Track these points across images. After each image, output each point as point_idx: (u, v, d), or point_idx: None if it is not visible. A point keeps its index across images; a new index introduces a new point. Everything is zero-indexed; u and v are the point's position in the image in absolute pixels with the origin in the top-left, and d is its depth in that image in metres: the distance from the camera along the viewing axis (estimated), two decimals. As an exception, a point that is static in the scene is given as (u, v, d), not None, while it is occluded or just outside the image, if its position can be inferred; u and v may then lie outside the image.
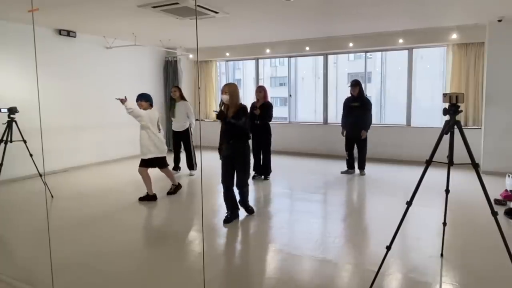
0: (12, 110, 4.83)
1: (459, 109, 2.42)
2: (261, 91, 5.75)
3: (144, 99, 4.73)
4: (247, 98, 9.94)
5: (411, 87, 7.39)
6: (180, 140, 6.35)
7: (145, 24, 6.09)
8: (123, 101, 4.47)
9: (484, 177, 2.48)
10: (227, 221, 4.00)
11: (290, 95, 8.97)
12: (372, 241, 3.58)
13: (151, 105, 4.76)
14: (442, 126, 2.48)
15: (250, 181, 4.48)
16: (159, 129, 4.80)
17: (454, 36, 6.54)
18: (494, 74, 6.05)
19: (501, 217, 3.99)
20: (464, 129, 2.44)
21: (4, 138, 4.77)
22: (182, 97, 6.32)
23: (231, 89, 3.86)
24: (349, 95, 6.25)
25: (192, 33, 6.66)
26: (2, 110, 4.79)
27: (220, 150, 4.15)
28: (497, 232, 2.29)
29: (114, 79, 7.65)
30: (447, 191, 2.84)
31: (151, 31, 6.81)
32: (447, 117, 2.44)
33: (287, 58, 8.94)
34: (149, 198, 4.79)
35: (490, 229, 2.99)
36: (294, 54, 8.48)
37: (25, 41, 5.84)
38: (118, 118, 7.46)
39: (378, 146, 7.29)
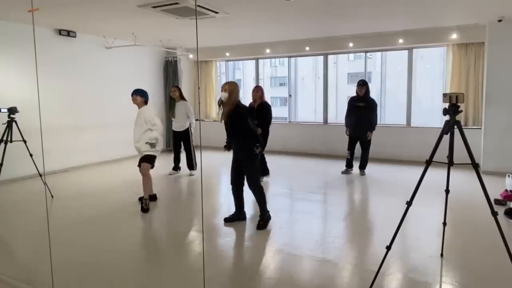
0: (12, 110, 4.82)
1: (459, 109, 2.42)
2: (258, 91, 5.71)
3: (140, 94, 4.54)
4: (247, 98, 9.94)
5: (411, 87, 7.39)
6: (180, 140, 6.35)
7: (145, 24, 6.09)
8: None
9: (484, 177, 2.48)
10: (226, 219, 4.01)
11: (290, 95, 8.97)
12: (372, 241, 3.58)
13: (145, 102, 4.60)
14: (442, 126, 2.49)
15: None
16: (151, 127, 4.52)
17: (454, 36, 6.54)
18: (494, 74, 6.05)
19: (501, 217, 3.99)
20: (464, 129, 2.44)
21: (4, 138, 4.77)
22: (182, 97, 6.32)
23: (231, 87, 3.76)
24: (354, 94, 6.24)
25: (192, 33, 6.66)
26: (2, 110, 4.79)
27: (226, 146, 4.15)
28: (497, 232, 2.29)
29: (114, 79, 7.65)
30: (447, 191, 2.84)
31: (151, 31, 6.81)
32: (447, 117, 2.44)
33: (287, 58, 8.94)
34: (149, 198, 4.78)
35: (490, 229, 3.00)
36: (294, 54, 8.48)
37: (25, 41, 5.84)
38: (118, 118, 7.49)
39: (378, 146, 7.28)
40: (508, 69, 5.93)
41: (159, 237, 3.83)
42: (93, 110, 7.25)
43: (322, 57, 8.44)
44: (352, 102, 6.25)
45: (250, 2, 4.85)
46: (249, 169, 3.87)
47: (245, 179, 3.94)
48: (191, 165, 6.35)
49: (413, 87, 7.45)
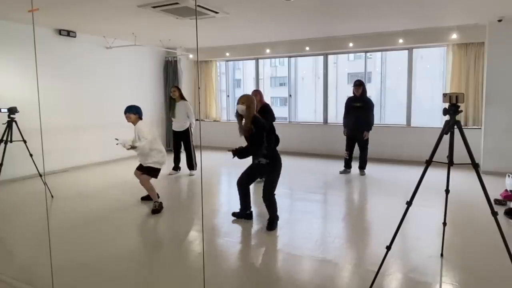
0: (12, 110, 4.82)
1: (459, 109, 2.42)
2: (256, 94, 5.70)
3: (133, 112, 4.47)
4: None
5: (411, 87, 7.39)
6: (180, 140, 6.35)
7: (145, 24, 6.09)
8: (127, 147, 4.36)
9: (484, 177, 2.48)
10: (234, 214, 4.12)
11: (290, 95, 8.97)
12: (372, 241, 3.58)
13: (140, 118, 4.53)
14: (442, 126, 2.48)
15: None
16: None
17: (454, 36, 6.54)
18: (494, 74, 6.05)
19: (501, 217, 3.99)
20: (464, 129, 2.44)
21: (4, 138, 4.77)
22: (182, 97, 6.32)
23: (248, 101, 3.71)
24: (351, 94, 6.27)
25: (192, 33, 6.67)
26: (2, 110, 4.79)
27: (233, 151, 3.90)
28: (497, 232, 2.29)
29: (114, 79, 7.65)
30: (447, 191, 2.84)
31: (151, 31, 6.81)
32: (447, 117, 2.44)
33: (287, 58, 8.94)
34: (150, 198, 4.78)
35: (490, 229, 3.00)
36: (294, 54, 8.48)
37: (25, 41, 5.85)
38: (118, 118, 7.43)
39: (378, 146, 7.29)
40: (508, 69, 5.93)
41: (159, 237, 3.83)
42: (93, 110, 7.25)
43: (322, 57, 8.44)
44: (349, 102, 6.28)
45: (250, 2, 4.85)
46: (271, 180, 3.84)
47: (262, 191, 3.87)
48: (191, 165, 6.36)
49: (413, 87, 7.45)
